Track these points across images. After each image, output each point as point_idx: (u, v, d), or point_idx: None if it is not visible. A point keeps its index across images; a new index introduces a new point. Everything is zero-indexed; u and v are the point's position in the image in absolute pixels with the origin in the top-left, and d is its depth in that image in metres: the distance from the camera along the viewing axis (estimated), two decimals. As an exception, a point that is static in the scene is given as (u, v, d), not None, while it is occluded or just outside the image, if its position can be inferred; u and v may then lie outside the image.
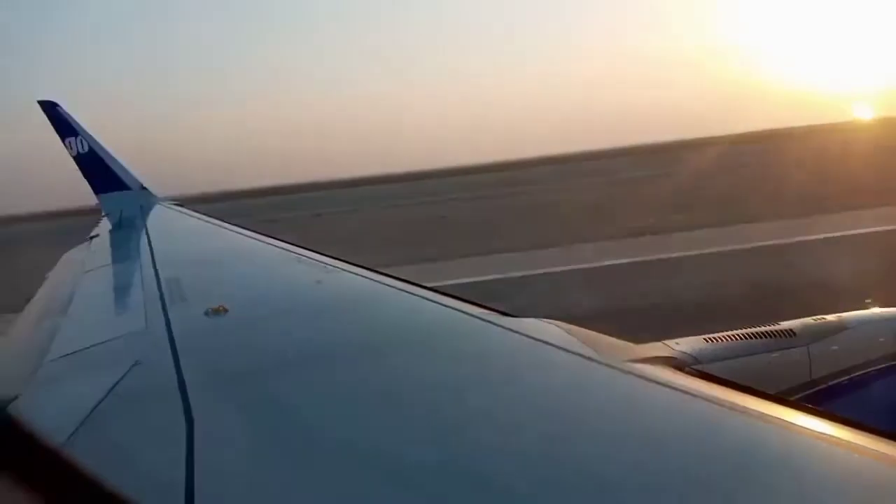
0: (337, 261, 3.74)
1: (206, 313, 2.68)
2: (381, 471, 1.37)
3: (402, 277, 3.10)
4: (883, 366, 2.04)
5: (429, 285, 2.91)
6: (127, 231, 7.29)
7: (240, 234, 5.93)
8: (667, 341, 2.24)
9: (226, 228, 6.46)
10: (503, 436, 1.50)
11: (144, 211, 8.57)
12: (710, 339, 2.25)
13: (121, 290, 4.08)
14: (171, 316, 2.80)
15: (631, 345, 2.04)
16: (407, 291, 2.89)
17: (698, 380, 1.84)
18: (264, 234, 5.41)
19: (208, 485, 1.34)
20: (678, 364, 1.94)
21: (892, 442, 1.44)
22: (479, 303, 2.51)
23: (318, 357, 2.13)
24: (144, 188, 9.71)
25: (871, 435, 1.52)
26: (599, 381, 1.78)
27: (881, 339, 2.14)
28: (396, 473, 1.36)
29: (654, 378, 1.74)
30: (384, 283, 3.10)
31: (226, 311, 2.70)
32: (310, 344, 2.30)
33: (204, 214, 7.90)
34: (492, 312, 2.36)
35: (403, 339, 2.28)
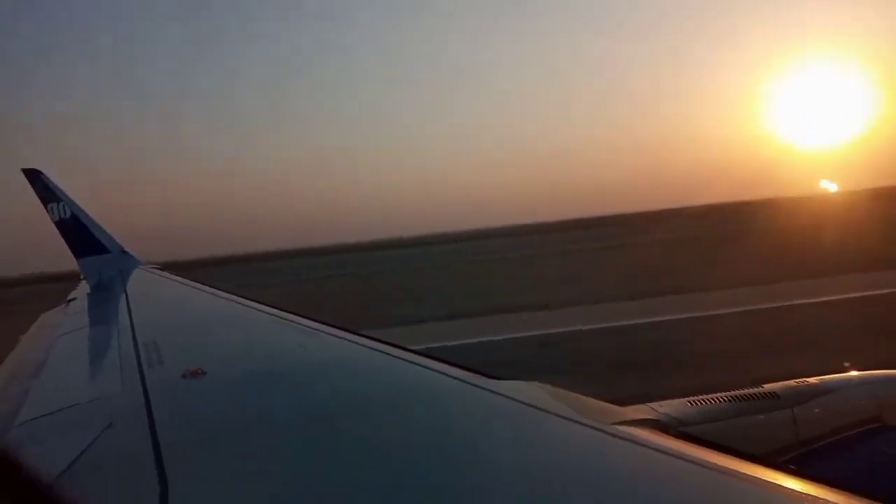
0: (321, 324, 3.71)
1: (184, 376, 2.64)
2: None
3: (388, 340, 3.08)
4: (864, 428, 2.04)
5: (415, 348, 2.90)
6: (105, 294, 7.21)
7: (221, 297, 5.88)
8: (651, 404, 2.23)
9: (207, 292, 6.41)
10: (489, 501, 1.47)
11: (124, 274, 8.50)
12: (693, 401, 2.25)
13: (96, 353, 4.01)
14: (147, 378, 2.74)
15: (616, 407, 2.03)
16: (391, 355, 2.87)
17: (685, 442, 1.82)
18: (247, 298, 5.36)
19: None
20: (663, 427, 1.93)
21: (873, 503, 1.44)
22: (465, 365, 2.49)
23: (297, 421, 2.09)
24: (125, 251, 9.68)
25: (854, 497, 1.52)
26: (587, 444, 1.76)
27: (862, 402, 2.15)
28: None
29: (642, 441, 1.73)
30: (368, 347, 3.07)
31: (203, 373, 2.65)
32: (289, 408, 2.26)
33: (185, 278, 7.86)
34: (477, 375, 2.34)
35: (386, 403, 2.24)
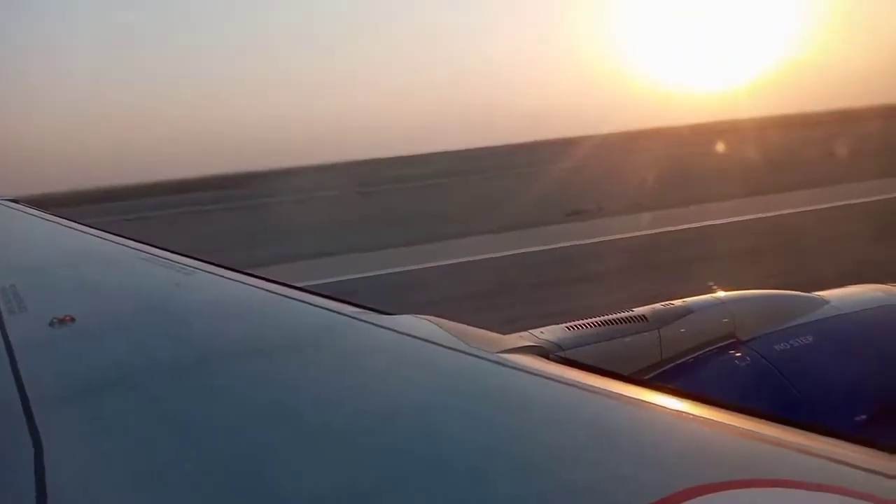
0: (198, 262, 3.54)
1: (51, 324, 2.47)
2: (246, 482, 1.33)
3: (269, 277, 3.00)
4: (723, 343, 2.24)
5: (298, 285, 2.85)
6: None
7: (89, 234, 5.46)
8: (532, 330, 2.34)
9: (73, 228, 5.92)
10: (376, 433, 1.50)
11: None
12: (570, 326, 2.37)
13: None
14: (7, 327, 2.54)
15: (500, 336, 2.11)
16: (274, 292, 2.80)
17: (562, 366, 1.93)
18: (117, 235, 4.99)
19: None
20: (544, 352, 2.03)
21: (731, 412, 1.59)
22: (351, 301, 2.49)
23: (179, 367, 2.02)
24: None
25: (713, 407, 1.67)
26: (471, 373, 1.83)
27: (724, 320, 2.35)
28: (266, 482, 1.32)
29: (523, 367, 1.81)
30: (249, 284, 2.98)
31: (73, 320, 2.49)
32: (167, 352, 2.17)
33: (47, 212, 7.21)
34: (363, 310, 2.35)
35: (270, 341, 2.21)
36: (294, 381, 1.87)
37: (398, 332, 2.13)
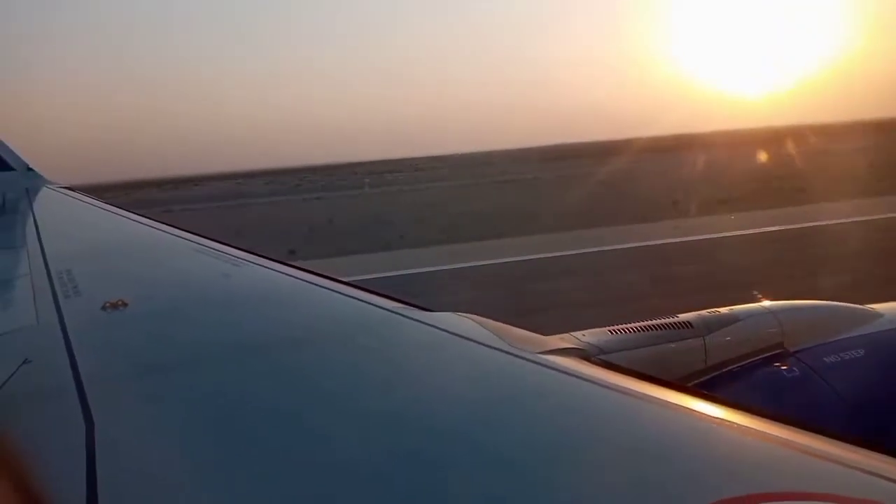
0: (246, 253, 3.62)
1: (104, 308, 2.55)
2: (292, 469, 1.35)
3: (315, 270, 3.05)
4: (771, 353, 2.19)
5: (344, 279, 2.88)
6: (11, 216, 6.79)
7: (139, 222, 5.62)
8: (574, 333, 2.33)
9: (123, 216, 6.10)
10: (412, 429, 1.51)
11: (31, 194, 8.00)
12: (613, 330, 2.35)
13: (4, 282, 3.81)
14: (63, 310, 2.63)
15: (542, 337, 2.10)
16: (318, 285, 2.84)
17: (603, 369, 1.92)
18: (166, 223, 5.14)
19: (111, 491, 1.28)
20: (585, 355, 2.02)
21: (777, 423, 1.56)
22: (394, 296, 2.51)
23: (224, 353, 2.07)
24: (31, 169, 9.08)
25: (759, 417, 1.64)
26: (511, 372, 1.83)
27: (766, 330, 2.31)
28: (307, 472, 1.34)
29: (564, 369, 1.80)
30: (295, 277, 3.03)
31: (125, 305, 2.57)
32: (216, 340, 2.22)
33: (100, 200, 7.44)
34: (406, 306, 2.37)
35: (314, 334, 2.24)
36: (333, 374, 1.90)
37: (439, 328, 2.14)
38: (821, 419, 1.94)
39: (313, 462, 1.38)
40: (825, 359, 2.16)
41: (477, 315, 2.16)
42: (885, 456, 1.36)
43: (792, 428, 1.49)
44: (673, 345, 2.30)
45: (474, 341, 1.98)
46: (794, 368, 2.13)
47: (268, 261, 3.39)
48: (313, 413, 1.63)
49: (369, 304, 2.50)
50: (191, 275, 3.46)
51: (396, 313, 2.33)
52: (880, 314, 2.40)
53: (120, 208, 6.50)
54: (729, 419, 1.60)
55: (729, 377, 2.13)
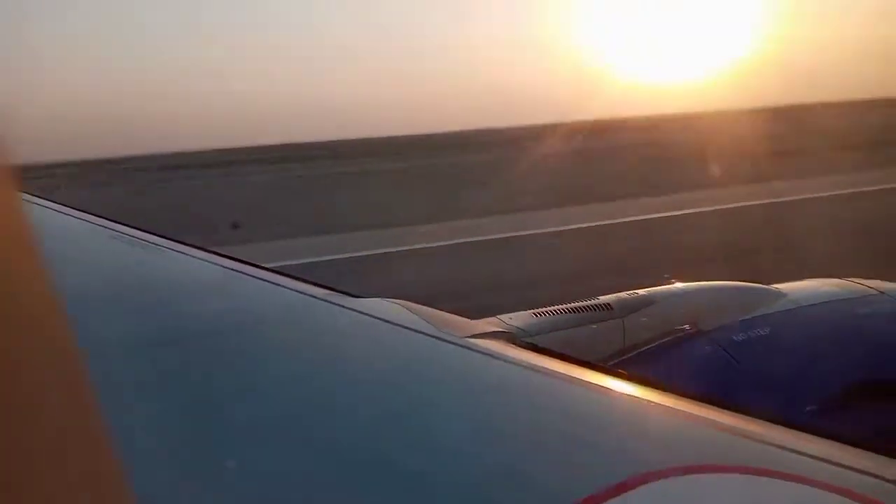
0: (161, 238, 3.46)
1: None
2: (206, 466, 1.33)
3: (234, 256, 2.96)
4: (684, 333, 2.30)
5: (267, 265, 2.82)
6: None
7: (39, 204, 5.27)
8: (500, 316, 2.37)
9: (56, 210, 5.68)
10: (340, 417, 1.51)
11: None
12: (538, 313, 2.41)
13: None
14: None
15: (470, 321, 2.14)
16: (241, 272, 2.77)
17: (529, 352, 1.97)
18: (59, 203, 4.79)
19: None
20: (512, 338, 2.06)
21: (691, 400, 1.64)
22: (320, 283, 2.48)
23: (132, 346, 1.98)
24: None
25: (674, 394, 1.73)
26: (440, 357, 1.85)
27: (681, 311, 2.42)
28: (223, 468, 1.32)
29: (491, 352, 1.84)
30: (213, 263, 2.93)
31: None
32: (123, 332, 2.13)
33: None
34: (332, 293, 2.35)
35: (239, 322, 2.19)
36: (256, 364, 1.86)
37: (366, 314, 2.14)
38: (731, 395, 2.06)
39: (232, 456, 1.36)
40: (734, 337, 2.28)
41: (405, 300, 2.17)
42: (788, 429, 1.47)
43: (705, 404, 1.58)
44: (594, 326, 2.38)
45: (402, 326, 1.99)
46: (706, 347, 2.24)
47: (183, 246, 3.25)
48: (234, 407, 1.59)
49: (295, 290, 2.46)
50: (101, 262, 3.29)
51: (322, 300, 2.31)
52: (784, 294, 2.55)
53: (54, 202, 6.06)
54: (647, 397, 1.68)
55: (646, 356, 2.23)
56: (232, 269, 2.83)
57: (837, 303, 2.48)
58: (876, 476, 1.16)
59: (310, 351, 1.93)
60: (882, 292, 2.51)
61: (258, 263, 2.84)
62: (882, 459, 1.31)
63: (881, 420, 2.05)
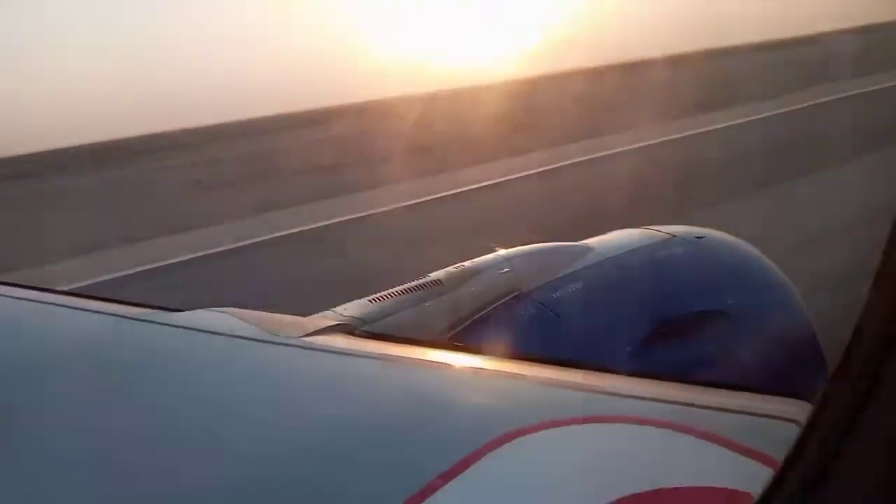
0: None
1: None
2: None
3: (41, 286, 2.64)
4: (509, 297, 2.42)
5: (71, 289, 2.55)
6: None
7: None
8: (335, 309, 2.34)
9: None
10: (176, 438, 1.44)
11: None
12: (373, 299, 2.41)
13: None
14: None
15: (303, 319, 2.09)
16: (38, 300, 2.49)
17: (366, 340, 1.97)
18: None
19: None
20: (349, 329, 2.05)
21: (524, 362, 1.74)
22: (133, 301, 2.30)
23: None
24: None
25: (508, 359, 1.82)
26: (273, 361, 1.80)
27: (509, 276, 2.53)
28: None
29: (327, 347, 1.82)
30: (16, 297, 2.61)
31: None
32: None
33: None
34: (150, 310, 2.18)
35: (46, 354, 1.97)
36: (76, 399, 1.70)
37: (191, 328, 2.02)
38: (559, 349, 2.20)
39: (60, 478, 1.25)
40: (553, 295, 2.43)
41: (234, 307, 2.07)
42: (615, 375, 1.61)
43: (538, 363, 1.68)
44: (427, 304, 2.42)
45: (232, 336, 1.91)
46: (531, 308, 2.37)
47: None
48: (54, 435, 1.46)
49: (101, 313, 2.25)
50: None
51: (137, 319, 2.14)
52: (592, 247, 2.75)
53: None
54: (485, 365, 1.75)
55: (478, 325, 2.32)
56: (24, 299, 2.53)
57: (638, 250, 2.72)
58: (690, 405, 1.31)
59: (133, 377, 1.78)
60: (674, 235, 2.79)
61: (52, 288, 2.56)
62: (696, 388, 1.48)
63: (686, 353, 2.31)
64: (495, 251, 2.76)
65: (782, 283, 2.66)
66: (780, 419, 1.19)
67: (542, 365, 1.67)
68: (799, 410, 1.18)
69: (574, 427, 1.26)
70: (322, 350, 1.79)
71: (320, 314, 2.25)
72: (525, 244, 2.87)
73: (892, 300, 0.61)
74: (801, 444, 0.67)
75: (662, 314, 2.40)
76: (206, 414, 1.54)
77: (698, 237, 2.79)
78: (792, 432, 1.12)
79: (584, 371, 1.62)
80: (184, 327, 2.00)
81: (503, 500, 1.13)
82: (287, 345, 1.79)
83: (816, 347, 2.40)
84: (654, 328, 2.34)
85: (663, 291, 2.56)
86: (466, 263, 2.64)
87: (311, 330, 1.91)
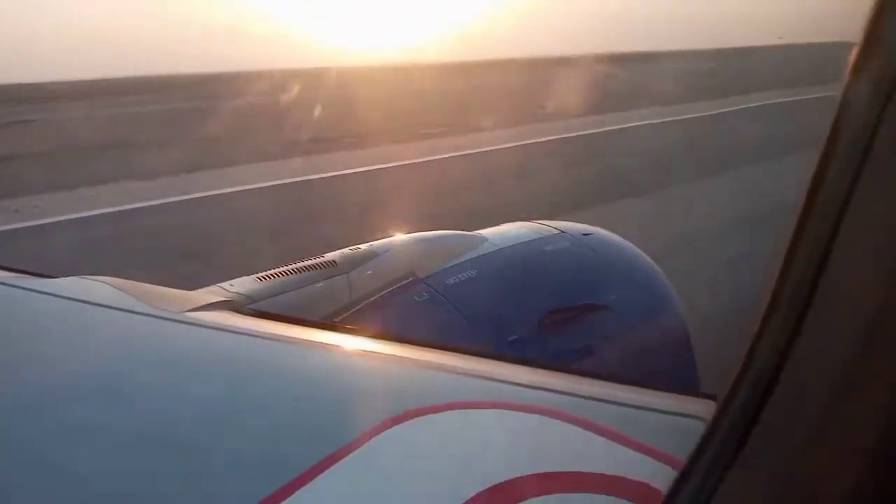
0: None
1: None
2: None
3: None
4: (404, 282, 2.42)
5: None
6: None
7: None
8: (222, 284, 2.25)
9: None
10: (48, 414, 1.34)
11: None
12: (262, 277, 2.34)
13: None
14: None
15: (187, 293, 2.00)
16: None
17: (253, 318, 1.91)
18: None
19: None
20: (235, 306, 1.98)
21: (416, 346, 1.75)
22: (2, 265, 2.12)
23: None
24: None
25: (401, 343, 1.82)
26: (153, 335, 1.72)
27: (402, 261, 2.53)
28: None
29: (211, 324, 1.75)
30: None
31: None
32: None
33: None
34: (14, 274, 2.02)
35: None
36: None
37: (64, 297, 1.88)
38: (450, 335, 2.23)
39: None
40: (447, 282, 2.46)
41: (112, 277, 1.95)
42: (504, 363, 1.64)
43: (430, 348, 1.69)
44: (320, 284, 2.37)
45: (109, 307, 1.80)
46: (424, 293, 2.39)
47: None
48: None
49: None
50: None
51: (4, 284, 1.97)
52: (486, 238, 2.81)
53: None
54: (374, 349, 1.74)
55: (370, 308, 2.30)
56: None
57: (529, 243, 2.80)
58: (572, 395, 1.36)
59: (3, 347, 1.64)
60: (563, 231, 2.90)
61: None
62: (581, 378, 1.54)
63: (570, 342, 2.41)
64: (392, 235, 2.75)
65: (661, 283, 2.82)
66: (667, 413, 1.25)
67: (432, 350, 1.69)
68: (676, 404, 1.25)
69: (454, 412, 1.28)
70: (205, 326, 1.72)
71: (206, 289, 2.16)
72: (421, 231, 2.89)
73: (791, 305, 0.65)
74: (704, 440, 0.70)
75: (551, 305, 2.48)
76: (74, 389, 1.44)
77: (585, 234, 2.90)
78: (667, 424, 1.18)
79: (474, 357, 1.65)
80: (55, 295, 1.87)
81: (380, 486, 1.12)
82: (167, 319, 1.71)
83: (688, 346, 2.57)
84: (542, 317, 2.41)
85: (552, 283, 2.65)
86: (362, 246, 2.61)
87: (196, 305, 1.83)
